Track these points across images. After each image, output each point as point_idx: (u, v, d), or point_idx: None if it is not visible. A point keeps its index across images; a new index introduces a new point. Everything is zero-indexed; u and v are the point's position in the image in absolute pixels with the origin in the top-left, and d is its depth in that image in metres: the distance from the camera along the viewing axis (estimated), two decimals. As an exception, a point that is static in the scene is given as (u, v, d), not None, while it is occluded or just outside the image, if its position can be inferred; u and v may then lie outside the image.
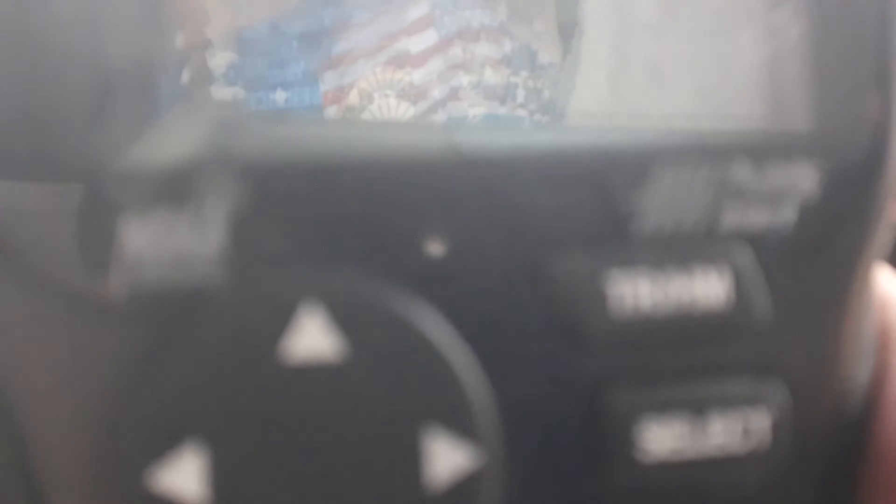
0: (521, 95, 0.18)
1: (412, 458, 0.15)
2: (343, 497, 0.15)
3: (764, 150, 0.16)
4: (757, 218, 0.16)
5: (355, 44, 0.17)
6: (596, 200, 0.16)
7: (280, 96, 0.17)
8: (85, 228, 0.15)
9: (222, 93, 0.17)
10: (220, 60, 0.17)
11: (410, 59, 0.18)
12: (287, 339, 0.15)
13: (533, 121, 0.18)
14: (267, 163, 0.15)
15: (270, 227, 0.15)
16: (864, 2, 0.17)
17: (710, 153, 0.16)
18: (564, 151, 0.16)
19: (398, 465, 0.15)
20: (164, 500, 0.14)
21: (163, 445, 0.14)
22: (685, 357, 0.16)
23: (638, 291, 0.16)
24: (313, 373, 0.15)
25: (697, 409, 0.16)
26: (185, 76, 0.17)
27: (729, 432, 0.16)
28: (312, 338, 0.15)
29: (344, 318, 0.15)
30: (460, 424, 0.15)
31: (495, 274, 0.16)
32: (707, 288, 0.16)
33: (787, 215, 0.16)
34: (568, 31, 0.18)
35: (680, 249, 0.16)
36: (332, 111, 0.18)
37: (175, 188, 0.15)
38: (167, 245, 0.15)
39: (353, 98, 0.17)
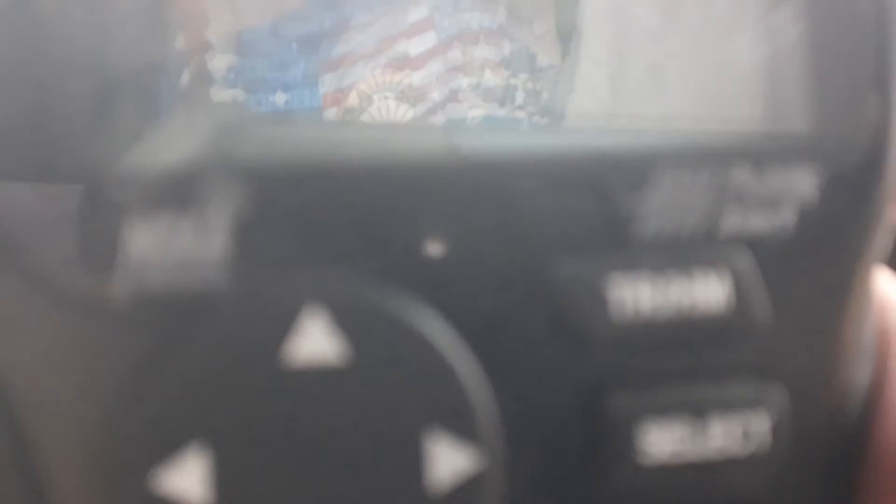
0: (520, 97, 0.18)
1: (414, 461, 0.15)
2: (345, 500, 0.15)
3: (763, 153, 0.16)
4: (757, 221, 0.16)
5: (355, 46, 0.17)
6: (595, 203, 0.16)
7: (280, 98, 0.17)
8: (87, 231, 0.15)
9: (222, 95, 0.17)
10: (220, 62, 0.17)
11: (410, 61, 0.18)
12: (290, 343, 0.15)
13: (532, 123, 0.18)
14: (268, 166, 0.15)
15: (272, 230, 0.15)
16: (864, 5, 0.17)
17: (710, 157, 0.16)
18: (564, 154, 0.16)
19: (400, 468, 0.15)
20: (167, 502, 0.14)
21: (166, 448, 0.14)
22: (685, 360, 0.16)
23: (638, 295, 0.16)
24: (316, 376, 0.15)
25: (698, 411, 0.16)
26: (186, 78, 0.17)
27: (729, 435, 0.16)
28: (315, 341, 0.15)
29: (346, 321, 0.15)
30: (462, 427, 0.15)
31: (496, 277, 0.16)
32: (707, 291, 0.16)
33: (786, 218, 0.16)
34: (567, 34, 0.18)
35: (680, 253, 0.16)
36: (331, 113, 0.18)
37: (177, 192, 0.15)
38: (169, 248, 0.15)
39: (352, 100, 0.17)
